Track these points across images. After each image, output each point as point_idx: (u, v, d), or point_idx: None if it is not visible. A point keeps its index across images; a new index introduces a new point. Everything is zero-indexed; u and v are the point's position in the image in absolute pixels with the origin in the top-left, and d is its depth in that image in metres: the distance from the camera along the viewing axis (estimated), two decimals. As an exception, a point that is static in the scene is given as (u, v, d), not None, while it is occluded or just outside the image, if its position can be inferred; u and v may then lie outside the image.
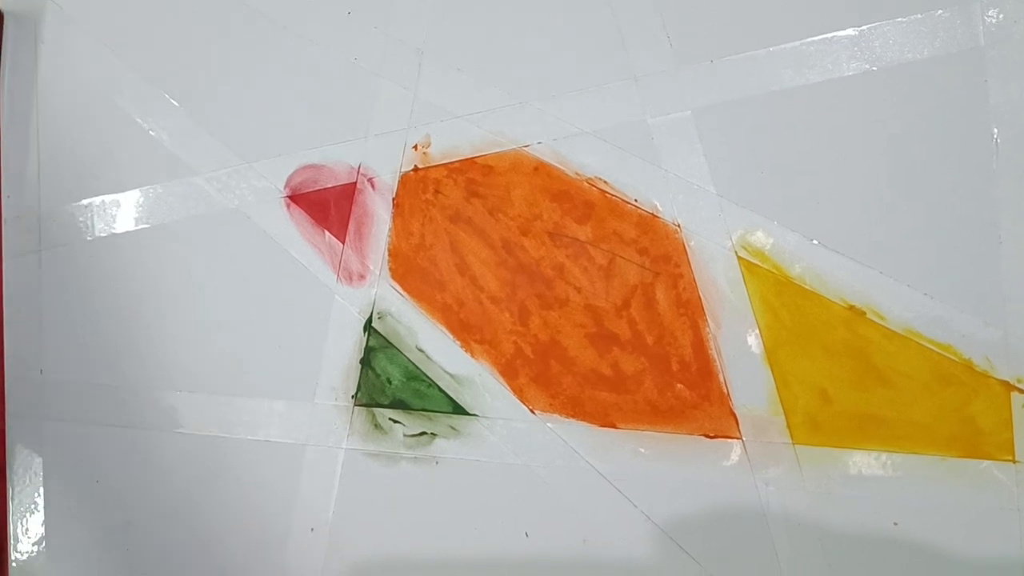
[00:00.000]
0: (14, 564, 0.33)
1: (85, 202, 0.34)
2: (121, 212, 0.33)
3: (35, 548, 0.33)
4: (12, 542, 0.33)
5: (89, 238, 0.34)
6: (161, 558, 0.32)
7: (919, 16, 0.27)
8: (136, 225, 0.33)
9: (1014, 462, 0.26)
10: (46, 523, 0.33)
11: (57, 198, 0.34)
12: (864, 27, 0.28)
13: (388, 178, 0.31)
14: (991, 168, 0.27)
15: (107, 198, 0.34)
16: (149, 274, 0.33)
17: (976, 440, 0.27)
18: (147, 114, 0.34)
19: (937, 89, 0.27)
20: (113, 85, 0.34)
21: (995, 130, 0.27)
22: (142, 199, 0.33)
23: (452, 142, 0.31)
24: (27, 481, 0.33)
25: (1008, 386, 0.26)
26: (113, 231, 0.33)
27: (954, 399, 0.27)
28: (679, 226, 0.29)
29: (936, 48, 0.27)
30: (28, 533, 0.33)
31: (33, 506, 0.33)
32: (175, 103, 0.33)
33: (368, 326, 0.31)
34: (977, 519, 0.26)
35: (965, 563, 0.27)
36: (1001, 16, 0.27)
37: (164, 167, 0.33)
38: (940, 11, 0.27)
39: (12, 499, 0.33)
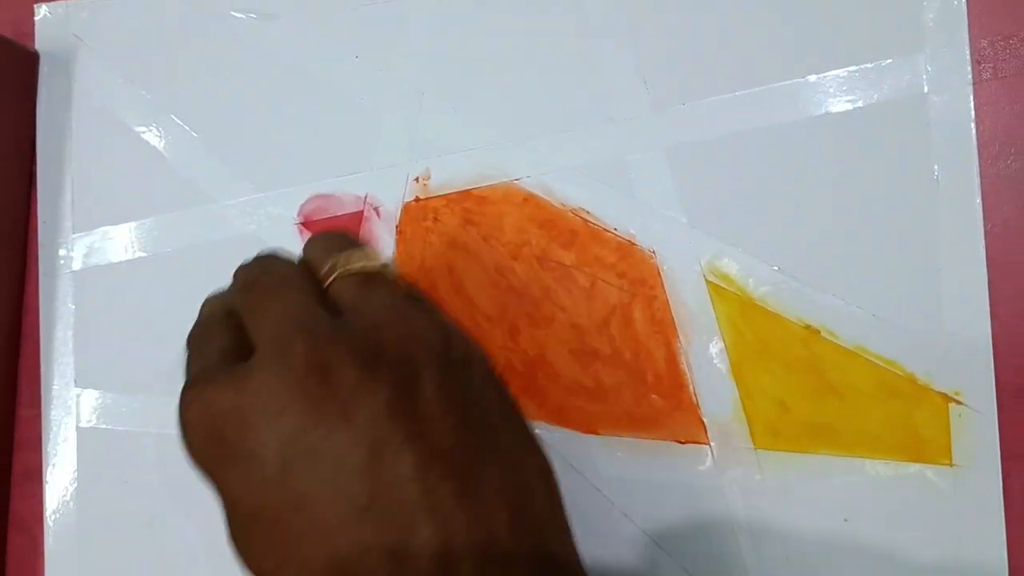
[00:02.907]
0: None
1: (114, 227, 0.36)
2: (147, 236, 0.35)
3: (68, 548, 0.35)
4: (46, 541, 0.35)
5: (117, 260, 0.35)
6: (185, 554, 0.34)
7: (869, 66, 0.30)
8: (160, 248, 0.35)
9: (951, 465, 0.28)
10: (79, 524, 0.35)
11: (88, 223, 0.36)
12: (821, 75, 0.30)
13: (392, 207, 0.33)
14: (933, 202, 0.29)
15: (134, 224, 0.36)
16: (174, 293, 0.34)
17: (918, 446, 0.29)
18: (170, 146, 0.35)
19: (885, 131, 0.29)
20: (140, 119, 0.36)
21: (936, 168, 0.29)
22: (166, 224, 0.35)
23: (450, 175, 0.32)
24: (64, 487, 0.36)
25: (946, 398, 0.28)
26: (141, 254, 0.35)
27: (899, 409, 0.29)
28: (654, 252, 0.31)
29: (884, 94, 0.30)
30: (61, 537, 0.35)
31: (66, 507, 0.36)
32: (195, 135, 0.35)
33: None
34: (918, 516, 0.28)
35: (907, 554, 0.28)
36: (942, 66, 0.29)
37: (185, 195, 0.35)
38: (888, 60, 0.30)
39: (46, 503, 0.36)
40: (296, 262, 0.25)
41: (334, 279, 0.24)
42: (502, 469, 0.22)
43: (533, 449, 0.24)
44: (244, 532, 0.21)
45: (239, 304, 0.23)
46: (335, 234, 0.26)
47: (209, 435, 0.21)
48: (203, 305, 0.25)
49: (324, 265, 0.24)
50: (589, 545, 0.31)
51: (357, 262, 0.24)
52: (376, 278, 0.24)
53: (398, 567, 0.20)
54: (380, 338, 0.22)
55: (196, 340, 0.24)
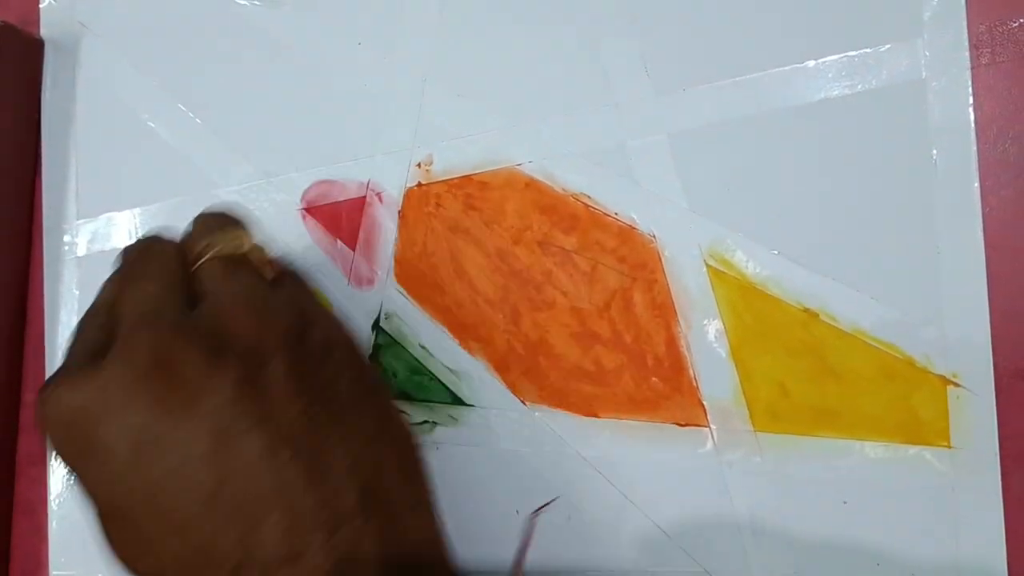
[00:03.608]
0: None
1: (118, 213, 0.36)
2: (151, 222, 0.35)
3: (72, 531, 0.35)
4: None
5: (121, 246, 0.35)
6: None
7: (867, 51, 0.30)
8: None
9: (949, 447, 0.28)
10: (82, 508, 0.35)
11: (93, 209, 0.36)
12: (820, 60, 0.30)
13: (394, 193, 0.33)
14: (931, 186, 0.29)
15: (138, 210, 0.36)
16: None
17: (917, 428, 0.29)
18: (174, 133, 0.36)
19: (883, 115, 0.29)
20: (144, 106, 0.36)
21: (934, 152, 0.29)
22: (170, 211, 0.36)
23: (452, 161, 0.33)
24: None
25: (945, 380, 0.28)
26: (145, 239, 0.36)
27: (897, 392, 0.29)
28: (654, 237, 0.31)
29: (882, 79, 0.30)
30: (65, 521, 0.36)
31: (70, 491, 0.36)
32: (199, 121, 0.36)
33: (376, 325, 0.33)
34: (917, 497, 0.28)
35: (906, 535, 0.29)
36: (940, 51, 0.29)
37: (190, 182, 0.35)
38: (886, 46, 0.30)
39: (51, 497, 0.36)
40: (177, 242, 0.25)
41: (202, 262, 0.24)
42: (353, 450, 0.23)
43: (390, 428, 0.25)
44: (106, 525, 0.22)
45: (112, 293, 0.24)
46: (215, 213, 0.26)
47: (66, 432, 0.22)
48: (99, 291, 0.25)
49: (196, 247, 0.25)
50: (589, 528, 0.31)
51: (226, 245, 0.25)
52: (239, 263, 0.25)
53: (248, 552, 0.21)
54: (229, 326, 0.22)
55: (74, 332, 0.24)
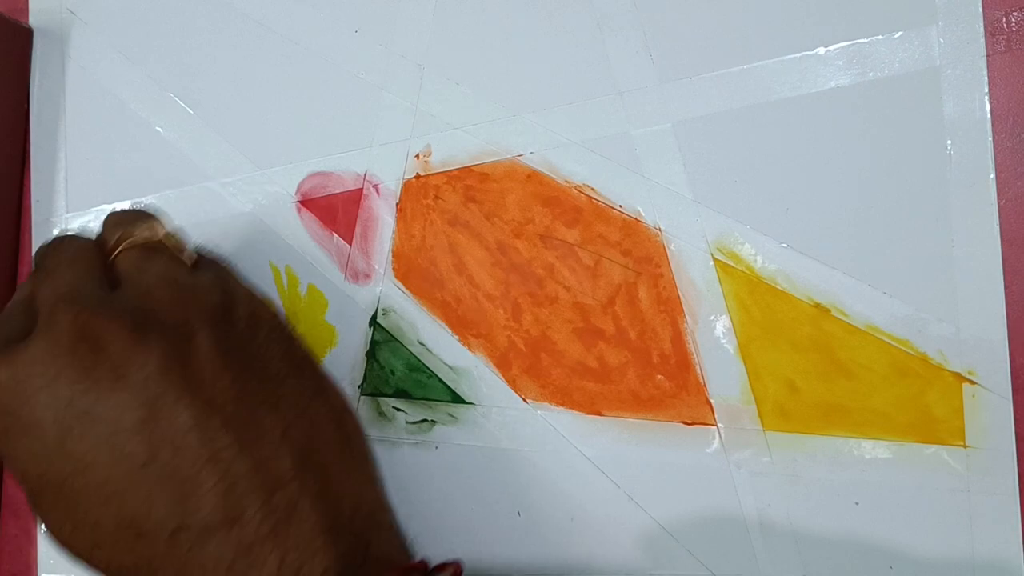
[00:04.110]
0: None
1: (108, 206, 0.35)
2: None
3: None
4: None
5: None
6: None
7: (880, 38, 0.29)
8: (156, 227, 0.35)
9: (964, 447, 0.28)
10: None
11: (83, 203, 0.36)
12: (830, 47, 0.29)
13: (392, 185, 0.32)
14: (945, 178, 0.28)
15: (128, 203, 0.35)
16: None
17: (931, 427, 0.28)
18: (166, 124, 0.35)
19: (896, 105, 0.29)
20: (135, 96, 0.35)
21: (949, 143, 0.28)
22: (162, 204, 0.35)
23: (451, 152, 0.32)
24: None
25: (960, 377, 0.28)
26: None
27: (911, 389, 0.28)
28: (660, 230, 0.30)
29: (895, 68, 0.29)
30: None
31: None
32: (191, 112, 0.35)
33: (373, 321, 0.32)
34: (931, 498, 0.28)
35: (919, 538, 0.28)
36: (954, 39, 0.28)
37: (182, 173, 0.34)
38: (899, 33, 0.29)
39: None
40: (91, 238, 0.26)
41: (119, 252, 0.25)
42: (285, 418, 0.23)
43: (324, 399, 0.26)
44: (38, 501, 0.22)
45: (29, 288, 0.24)
46: (127, 210, 0.27)
47: None
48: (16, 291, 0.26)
49: (111, 239, 0.25)
50: (592, 529, 0.30)
51: (140, 234, 0.25)
52: (156, 249, 0.25)
53: (184, 518, 0.21)
54: (151, 304, 0.23)
55: None
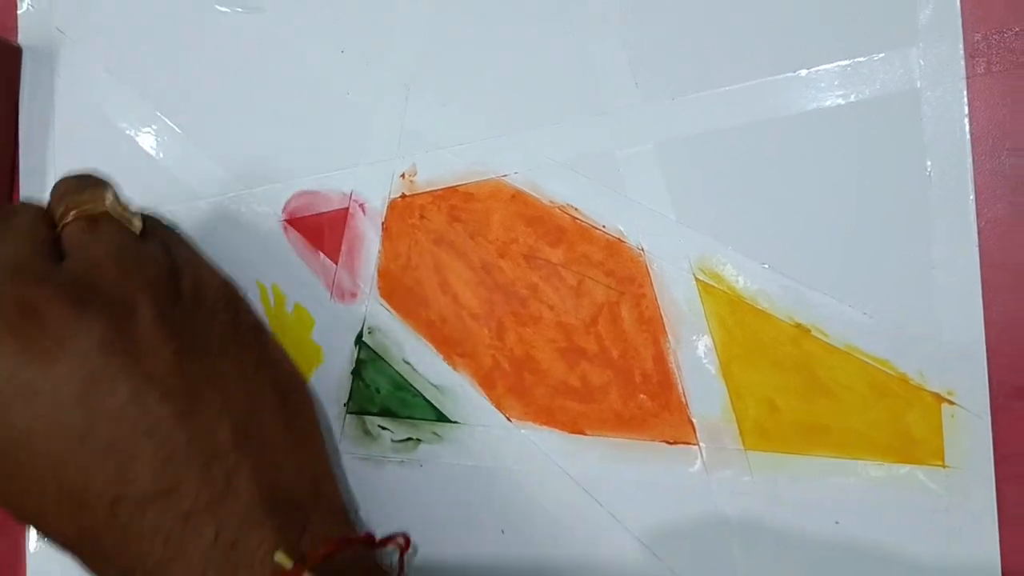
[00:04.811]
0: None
1: (97, 223, 0.36)
2: None
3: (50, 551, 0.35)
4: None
5: None
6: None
7: (861, 60, 0.29)
8: (145, 245, 0.35)
9: (943, 467, 0.28)
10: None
11: None
12: (812, 69, 0.29)
13: (378, 204, 0.33)
14: (926, 198, 0.28)
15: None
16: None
17: (910, 447, 0.28)
18: (154, 142, 0.35)
19: (877, 126, 0.29)
20: (123, 115, 0.35)
21: (929, 164, 0.28)
22: None
23: (437, 171, 0.32)
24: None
25: (939, 398, 0.28)
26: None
27: (890, 410, 0.28)
28: (642, 250, 0.30)
29: (876, 89, 0.29)
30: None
31: None
32: (179, 131, 0.35)
33: (359, 340, 0.33)
34: (910, 518, 0.28)
35: (898, 558, 0.28)
36: (935, 60, 0.29)
37: (169, 192, 0.35)
38: (880, 55, 0.29)
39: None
40: (39, 206, 0.26)
41: (66, 223, 0.25)
42: (226, 390, 0.24)
43: (268, 371, 0.26)
44: None
45: None
46: (73, 176, 0.27)
47: None
48: None
49: (57, 211, 0.25)
50: (576, 548, 0.30)
51: (85, 205, 0.25)
52: (102, 219, 0.25)
53: (122, 489, 0.22)
54: (95, 277, 0.23)
55: None
